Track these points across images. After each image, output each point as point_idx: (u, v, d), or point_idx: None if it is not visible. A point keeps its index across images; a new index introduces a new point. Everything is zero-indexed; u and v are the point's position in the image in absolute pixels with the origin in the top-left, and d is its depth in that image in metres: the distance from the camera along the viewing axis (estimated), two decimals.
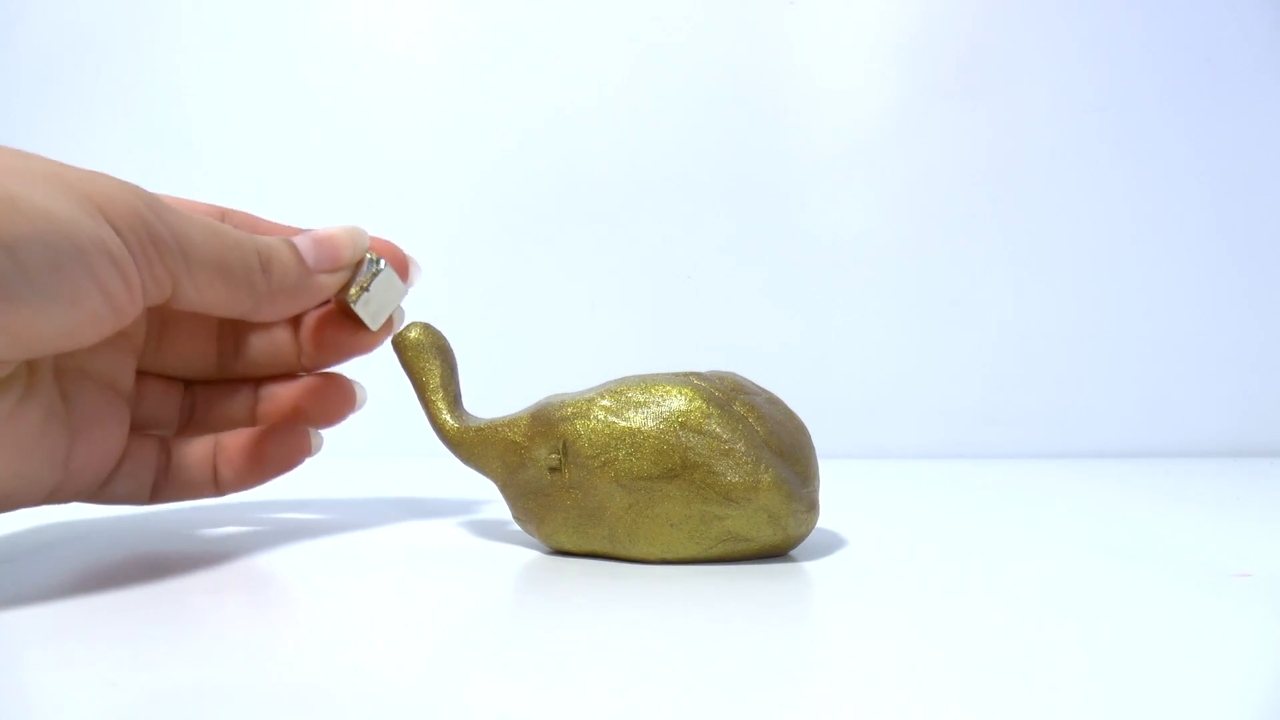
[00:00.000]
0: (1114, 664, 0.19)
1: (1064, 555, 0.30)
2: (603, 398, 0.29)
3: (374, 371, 0.68)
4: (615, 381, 0.30)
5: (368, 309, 0.31)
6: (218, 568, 0.27)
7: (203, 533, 0.33)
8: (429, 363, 0.32)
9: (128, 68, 0.63)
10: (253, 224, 0.32)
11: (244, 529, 0.34)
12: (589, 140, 0.66)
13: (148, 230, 0.23)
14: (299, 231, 0.31)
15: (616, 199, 0.66)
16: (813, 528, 0.29)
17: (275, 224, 0.32)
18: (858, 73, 0.67)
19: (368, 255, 0.31)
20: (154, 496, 0.30)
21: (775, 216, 0.67)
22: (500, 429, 0.30)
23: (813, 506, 0.29)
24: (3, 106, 0.62)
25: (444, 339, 0.33)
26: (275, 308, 0.28)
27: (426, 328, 0.33)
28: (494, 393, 0.64)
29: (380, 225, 0.66)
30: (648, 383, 0.29)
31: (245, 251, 0.26)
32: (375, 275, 0.31)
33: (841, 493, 0.44)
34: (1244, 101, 0.69)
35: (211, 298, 0.25)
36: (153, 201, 0.24)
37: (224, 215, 0.31)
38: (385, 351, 0.68)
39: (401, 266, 0.33)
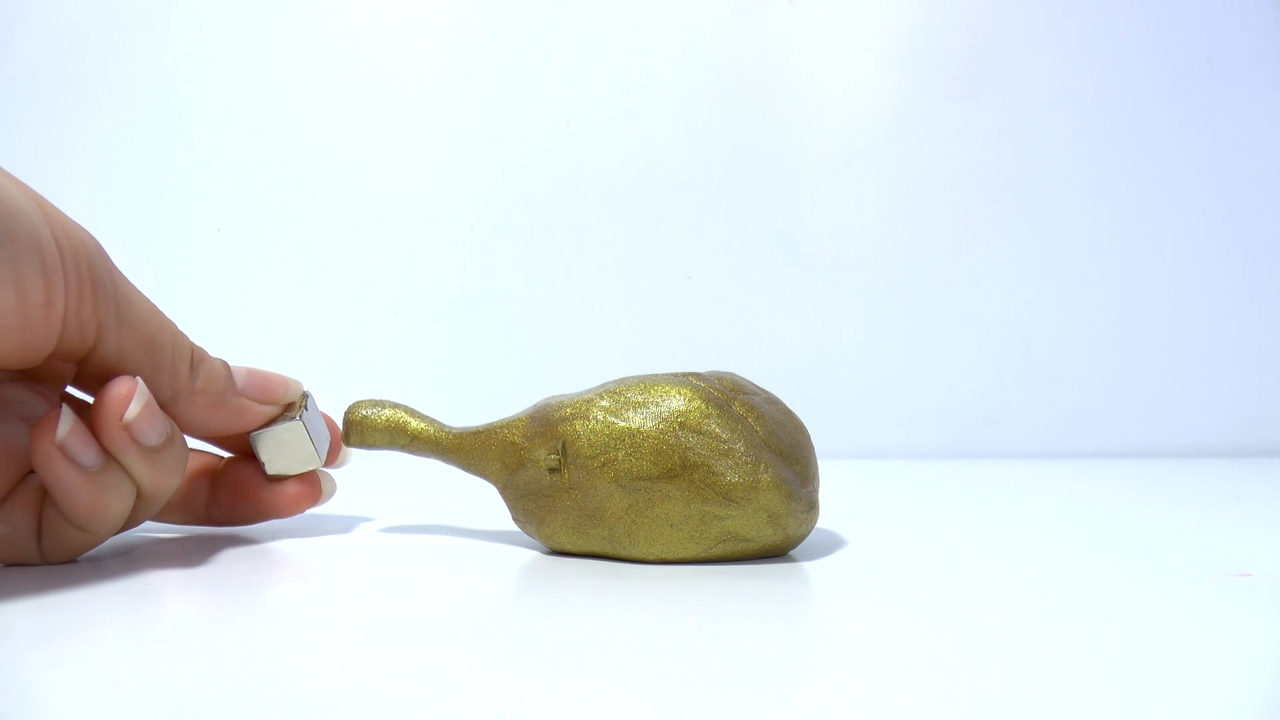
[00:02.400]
0: (1114, 663, 0.19)
1: (1064, 555, 0.30)
2: (602, 398, 0.29)
3: (374, 364, 0.68)
4: (614, 382, 0.30)
5: (314, 432, 0.31)
6: (218, 568, 0.27)
7: (203, 533, 0.33)
8: (390, 413, 0.32)
9: (129, 70, 0.63)
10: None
11: (244, 530, 0.34)
12: (589, 141, 0.66)
13: (90, 267, 0.23)
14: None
15: (617, 199, 0.66)
16: (813, 528, 0.29)
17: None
18: (858, 73, 0.67)
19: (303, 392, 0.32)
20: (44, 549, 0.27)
21: (776, 217, 0.67)
22: (499, 431, 0.30)
23: (812, 506, 0.29)
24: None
25: (383, 399, 0.33)
26: (192, 409, 0.27)
27: (361, 400, 0.32)
28: (494, 392, 0.64)
29: (382, 226, 0.67)
30: (647, 383, 0.29)
31: (179, 341, 0.26)
32: (306, 398, 0.32)
33: (841, 493, 0.44)
34: (1244, 101, 0.69)
35: (131, 368, 0.25)
36: (104, 253, 0.24)
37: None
38: (386, 333, 0.67)
39: (335, 438, 0.33)
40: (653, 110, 0.66)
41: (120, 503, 0.26)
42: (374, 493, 0.44)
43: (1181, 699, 0.17)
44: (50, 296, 0.22)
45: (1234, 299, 0.70)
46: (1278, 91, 0.69)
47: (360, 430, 0.31)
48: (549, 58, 0.66)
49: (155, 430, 0.25)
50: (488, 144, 0.66)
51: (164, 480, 0.26)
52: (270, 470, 0.31)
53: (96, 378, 0.25)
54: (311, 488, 0.32)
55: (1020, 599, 0.24)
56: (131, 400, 0.24)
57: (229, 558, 0.29)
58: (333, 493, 0.33)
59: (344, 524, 0.35)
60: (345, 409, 0.32)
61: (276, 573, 0.27)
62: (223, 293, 0.64)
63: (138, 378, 0.25)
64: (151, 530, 0.33)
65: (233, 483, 0.32)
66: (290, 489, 0.31)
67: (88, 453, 0.24)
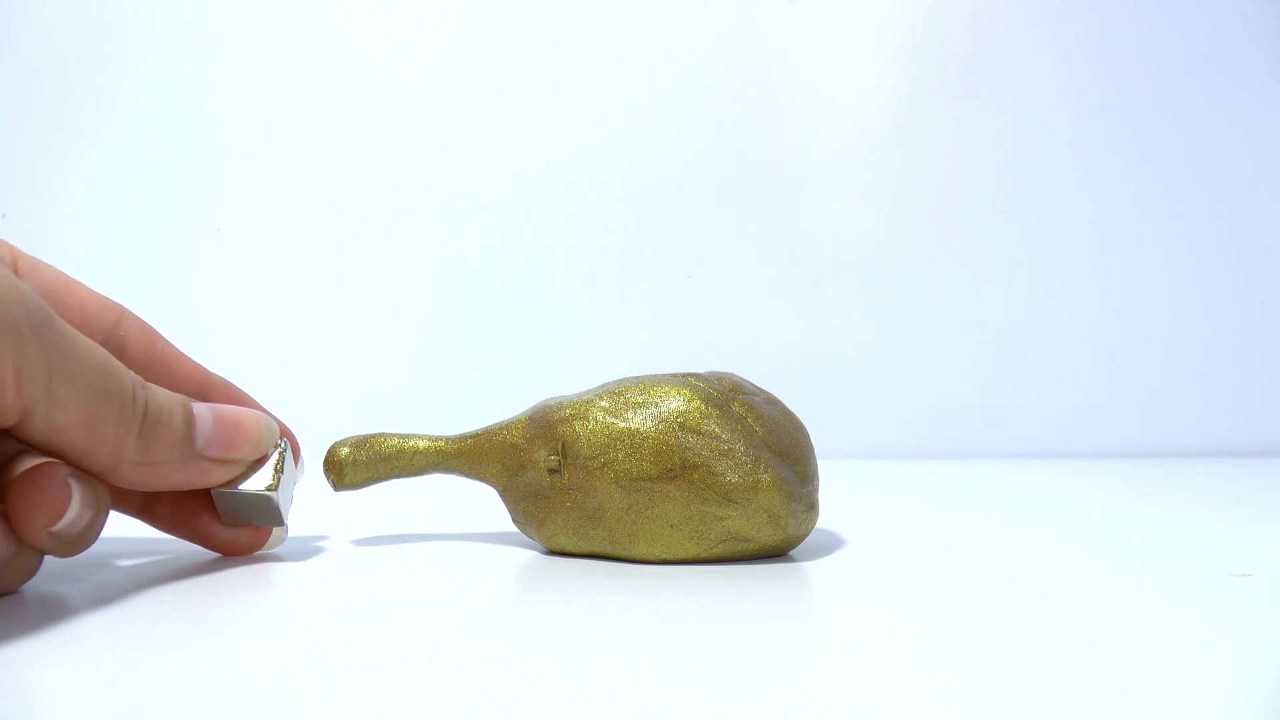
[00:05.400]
0: (1114, 664, 0.19)
1: (1064, 555, 0.30)
2: (601, 399, 0.29)
3: (373, 365, 0.67)
4: (614, 382, 0.30)
5: (283, 498, 0.27)
6: (217, 568, 0.27)
7: None
8: (383, 443, 0.30)
9: (130, 69, 0.63)
10: (239, 399, 0.29)
11: None
12: (589, 141, 0.66)
13: (15, 354, 0.19)
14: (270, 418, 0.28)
15: (617, 199, 0.66)
16: (812, 528, 0.29)
17: (260, 406, 0.29)
18: (858, 73, 0.67)
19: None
20: None
21: (775, 216, 0.67)
22: (498, 433, 0.30)
23: (812, 506, 0.29)
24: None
25: (361, 434, 0.31)
26: (137, 477, 0.23)
27: (339, 441, 0.30)
28: (493, 393, 0.64)
29: (381, 226, 0.67)
30: (646, 383, 0.29)
31: (126, 409, 0.22)
32: (283, 457, 0.27)
33: (841, 493, 0.44)
34: (1244, 101, 0.69)
35: (63, 444, 0.21)
36: (41, 319, 0.20)
37: (208, 388, 0.28)
38: (386, 333, 0.67)
39: (294, 453, 0.29)
40: (652, 110, 0.66)
41: (27, 575, 0.23)
42: (370, 494, 0.44)
43: (1182, 699, 0.17)
44: None
45: (1234, 299, 0.70)
46: (1278, 91, 0.69)
47: (355, 469, 0.30)
48: (549, 59, 0.66)
49: (82, 524, 0.22)
50: (488, 145, 0.66)
51: (79, 551, 0.23)
52: (225, 517, 0.28)
53: (21, 443, 0.22)
54: (260, 535, 0.29)
55: (1020, 599, 0.24)
56: (64, 515, 0.22)
57: (227, 560, 0.29)
58: (281, 541, 0.30)
59: (342, 526, 0.35)
60: (326, 452, 0.30)
61: (275, 574, 0.27)
62: (223, 293, 0.64)
63: (74, 487, 0.22)
64: (151, 532, 0.33)
65: (173, 502, 0.28)
66: (238, 537, 0.28)
67: (4, 550, 0.22)
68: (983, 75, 0.67)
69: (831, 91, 0.67)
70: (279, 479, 0.27)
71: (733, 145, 0.67)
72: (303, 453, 0.31)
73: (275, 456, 0.27)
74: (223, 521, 0.28)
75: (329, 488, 0.31)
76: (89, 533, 0.23)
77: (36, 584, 0.25)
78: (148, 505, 0.28)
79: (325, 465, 0.30)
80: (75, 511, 0.22)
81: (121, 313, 0.27)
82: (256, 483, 0.27)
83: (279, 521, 0.28)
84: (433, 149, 0.65)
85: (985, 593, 0.25)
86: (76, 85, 0.63)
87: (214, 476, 0.25)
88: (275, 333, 0.64)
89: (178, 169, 0.64)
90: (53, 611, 0.22)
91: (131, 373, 0.23)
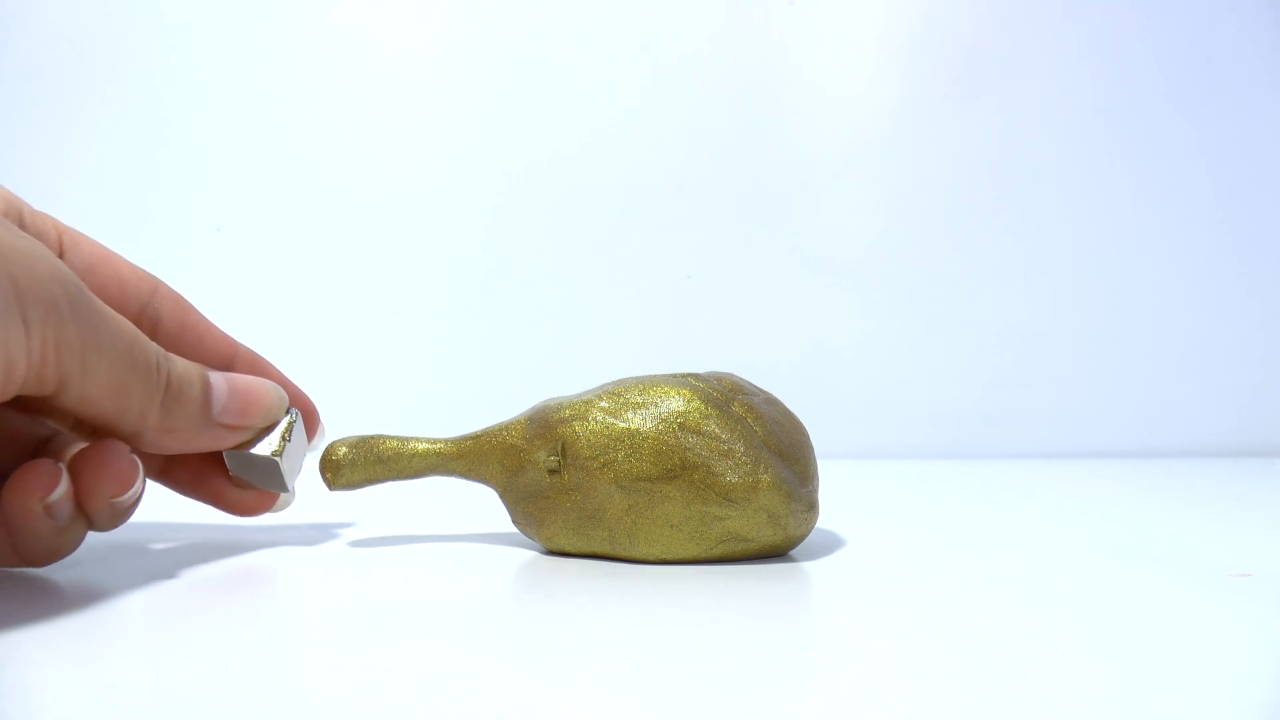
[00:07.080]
0: (1114, 664, 0.19)
1: (1064, 555, 0.30)
2: (601, 399, 0.29)
3: (373, 365, 0.67)
4: (614, 383, 0.30)
5: (288, 465, 0.29)
6: (217, 568, 0.27)
7: (201, 534, 0.33)
8: (381, 444, 0.30)
9: (129, 68, 0.63)
10: (261, 368, 0.30)
11: (243, 530, 0.34)
12: (589, 141, 0.66)
13: (56, 330, 0.21)
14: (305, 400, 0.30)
15: (617, 199, 0.66)
16: (812, 528, 0.29)
17: (281, 374, 0.31)
18: (858, 73, 0.67)
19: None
20: None
21: (776, 217, 0.67)
22: (498, 434, 0.30)
23: (812, 506, 0.29)
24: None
25: (360, 435, 0.31)
26: (159, 442, 0.25)
27: (337, 441, 0.30)
28: (493, 394, 0.64)
29: (381, 226, 0.67)
30: (646, 384, 0.29)
31: (151, 376, 0.24)
32: (291, 426, 0.29)
33: (841, 493, 0.44)
34: (1244, 101, 0.69)
35: (93, 412, 0.23)
36: (78, 298, 0.21)
37: (234, 358, 0.30)
38: (386, 333, 0.67)
39: (311, 420, 0.31)
40: (652, 110, 0.66)
41: (74, 545, 0.25)
42: (371, 495, 0.44)
43: (1182, 699, 0.17)
44: (10, 374, 0.20)
45: (1234, 299, 0.70)
46: (1278, 91, 0.69)
47: (352, 470, 0.30)
48: (549, 58, 0.66)
49: (136, 495, 0.25)
50: (488, 144, 0.66)
51: (120, 523, 0.25)
52: (234, 477, 0.29)
53: (49, 414, 0.24)
54: (267, 496, 0.30)
55: (1020, 599, 0.24)
56: (131, 486, 0.24)
57: (227, 560, 0.29)
58: (288, 505, 0.31)
59: (342, 526, 0.35)
60: (324, 451, 0.30)
61: (275, 574, 0.27)
62: (222, 293, 0.64)
63: (137, 461, 0.24)
64: (150, 529, 0.33)
65: (192, 465, 0.30)
66: (246, 497, 0.30)
67: (67, 511, 0.24)
68: (982, 75, 0.67)
69: (831, 91, 0.67)
70: (285, 445, 0.28)
71: (732, 145, 0.67)
72: (315, 437, 0.32)
73: (284, 424, 0.29)
74: (232, 482, 0.30)
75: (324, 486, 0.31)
76: (134, 506, 0.25)
77: (37, 582, 0.25)
78: (167, 469, 0.30)
79: (321, 464, 0.30)
80: (140, 485, 0.24)
81: (156, 285, 0.29)
82: (264, 448, 0.28)
83: (284, 487, 0.29)
84: (432, 148, 0.65)
85: (985, 593, 0.25)
86: (77, 86, 0.63)
87: (227, 441, 0.27)
88: (274, 333, 0.64)
89: (178, 169, 0.64)
90: (54, 611, 0.22)
91: (155, 345, 0.24)
